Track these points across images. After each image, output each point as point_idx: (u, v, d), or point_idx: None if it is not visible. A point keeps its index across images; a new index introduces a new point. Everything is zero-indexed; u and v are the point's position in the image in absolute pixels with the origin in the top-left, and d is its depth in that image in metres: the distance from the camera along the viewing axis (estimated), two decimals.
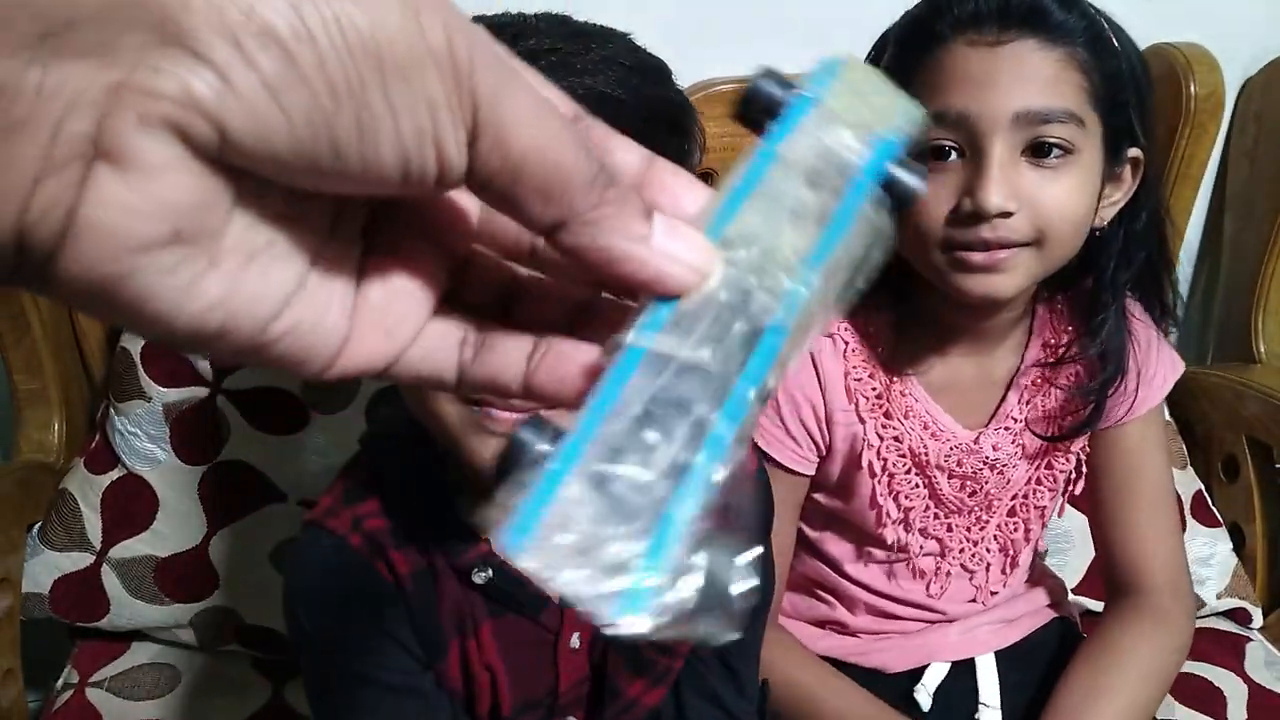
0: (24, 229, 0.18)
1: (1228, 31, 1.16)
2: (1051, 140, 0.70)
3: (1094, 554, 1.09)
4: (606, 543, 0.21)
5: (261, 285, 0.21)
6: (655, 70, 0.59)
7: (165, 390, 1.00)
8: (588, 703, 0.74)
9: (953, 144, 0.71)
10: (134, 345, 1.01)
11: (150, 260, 0.19)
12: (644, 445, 0.22)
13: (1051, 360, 0.85)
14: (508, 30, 0.56)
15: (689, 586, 0.22)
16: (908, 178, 0.26)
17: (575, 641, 0.70)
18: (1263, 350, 1.21)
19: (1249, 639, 1.09)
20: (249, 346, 0.21)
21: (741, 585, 0.23)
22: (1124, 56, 0.73)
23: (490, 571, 0.66)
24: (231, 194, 0.20)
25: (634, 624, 0.21)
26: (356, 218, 0.24)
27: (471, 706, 0.70)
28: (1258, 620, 1.12)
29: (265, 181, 0.20)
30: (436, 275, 0.25)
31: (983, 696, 0.89)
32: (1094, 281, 0.81)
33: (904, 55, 0.76)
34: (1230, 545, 1.13)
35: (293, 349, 0.22)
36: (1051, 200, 0.70)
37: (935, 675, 0.90)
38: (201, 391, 1.00)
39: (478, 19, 0.59)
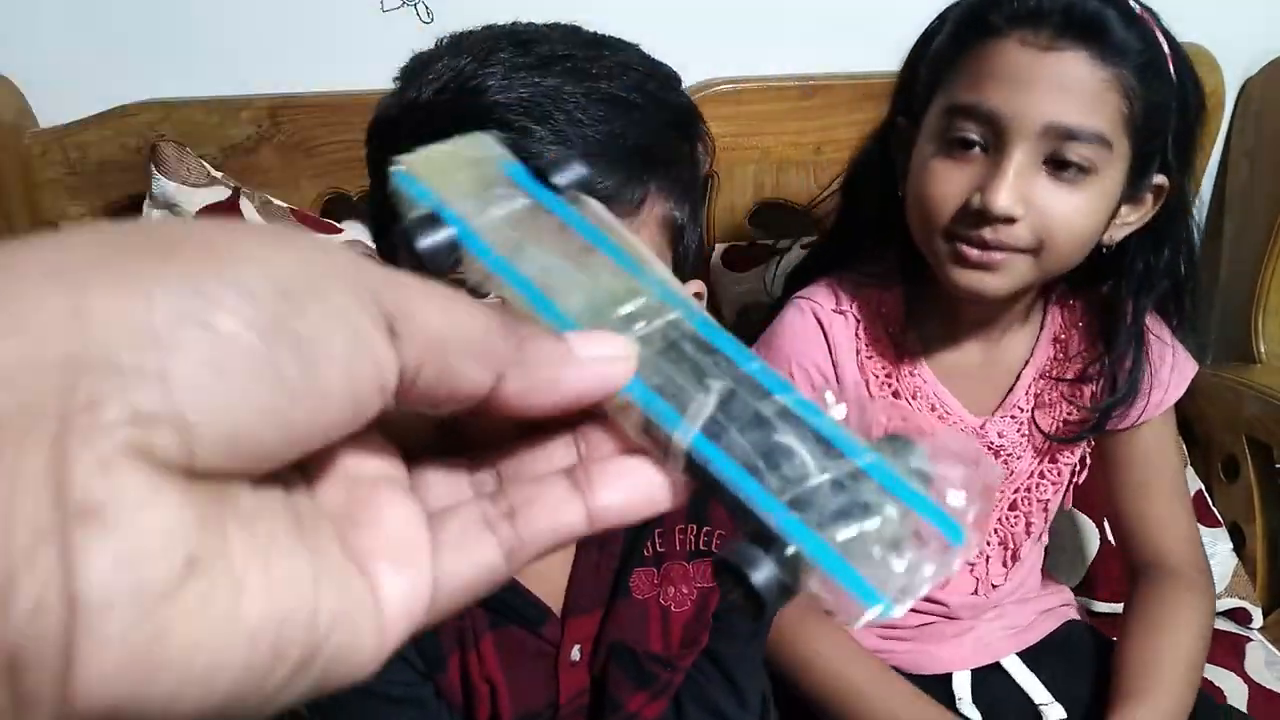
0: (14, 657, 0.15)
1: (1227, 32, 1.16)
2: (1074, 158, 0.69)
3: (1095, 554, 1.09)
4: (892, 534, 0.22)
5: (288, 583, 0.19)
6: (666, 76, 0.59)
7: None
8: (588, 715, 0.73)
9: (978, 138, 0.71)
10: None
11: (179, 605, 0.16)
12: (797, 466, 0.22)
13: (1069, 376, 0.85)
14: (521, 38, 0.55)
15: (950, 482, 0.23)
16: (564, 173, 0.27)
17: (576, 654, 0.70)
18: (1263, 350, 1.21)
19: (1249, 639, 1.09)
20: (306, 656, 0.19)
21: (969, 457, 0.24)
22: (1175, 86, 0.72)
23: None
24: (213, 502, 0.18)
25: (970, 546, 0.22)
26: (295, 475, 0.22)
27: (471, 717, 0.70)
28: (1258, 620, 1.12)
29: (229, 477, 0.18)
30: (391, 471, 0.23)
31: (1036, 698, 0.88)
32: (1112, 303, 0.82)
33: (957, 37, 0.75)
34: (1230, 545, 1.13)
35: (342, 641, 0.19)
36: (1059, 214, 0.70)
37: (963, 684, 0.90)
38: None
39: (488, 28, 0.58)
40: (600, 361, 0.23)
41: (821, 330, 0.85)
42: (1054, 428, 0.86)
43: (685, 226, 0.59)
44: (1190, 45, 1.10)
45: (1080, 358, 0.86)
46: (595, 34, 0.58)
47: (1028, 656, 0.92)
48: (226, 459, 0.18)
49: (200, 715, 0.17)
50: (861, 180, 0.88)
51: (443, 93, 0.54)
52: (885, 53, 1.18)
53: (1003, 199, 0.69)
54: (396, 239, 0.26)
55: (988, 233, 0.71)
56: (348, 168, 1.05)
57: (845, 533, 0.22)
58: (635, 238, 0.27)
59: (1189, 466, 1.16)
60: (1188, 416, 1.18)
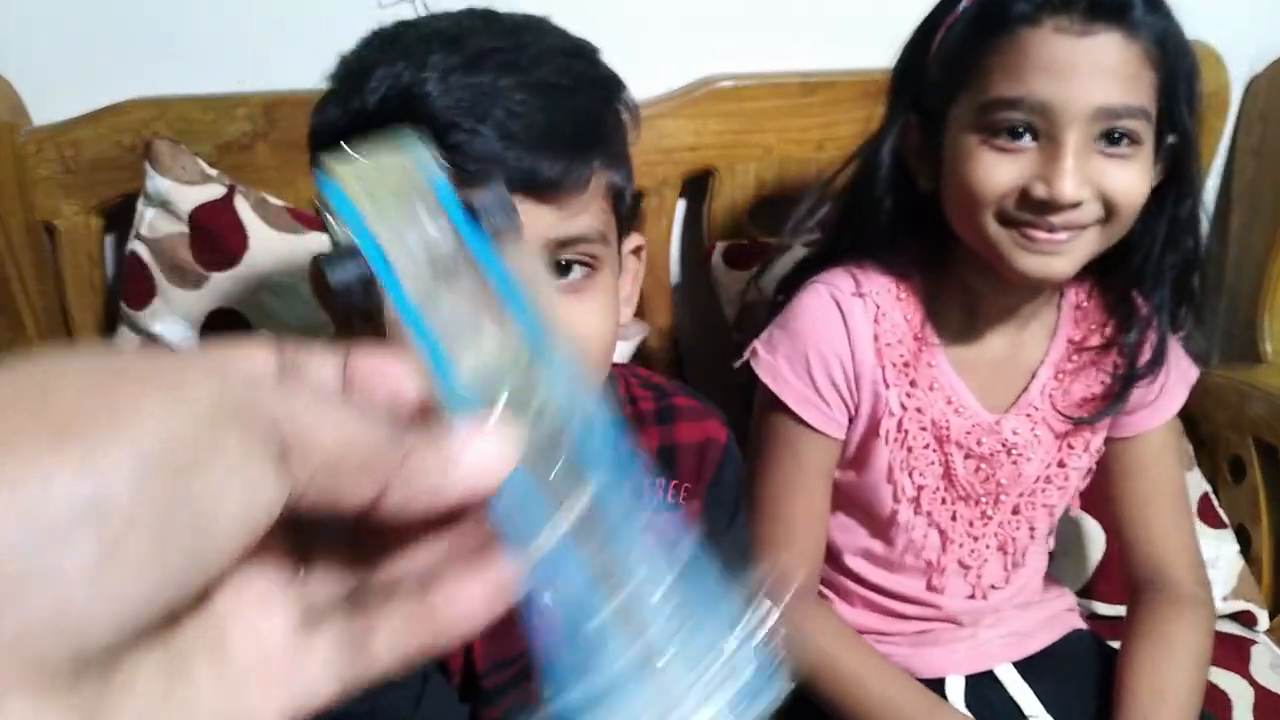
0: None
1: (1233, 30, 1.15)
2: (1123, 131, 0.72)
3: (1100, 557, 1.08)
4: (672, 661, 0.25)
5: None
6: (588, 51, 0.61)
7: None
8: None
9: (1027, 127, 0.73)
10: (130, 343, 1.01)
11: None
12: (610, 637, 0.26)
13: (1092, 344, 0.86)
14: (448, 35, 0.57)
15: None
16: (497, 215, 0.26)
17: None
18: (1268, 350, 1.20)
19: (1254, 642, 1.08)
20: None
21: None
22: (1187, 54, 0.76)
23: None
24: (96, 688, 0.18)
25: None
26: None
27: (444, 666, 0.71)
28: (1264, 623, 1.11)
29: (119, 646, 0.18)
30: (269, 571, 0.24)
31: (1026, 709, 0.88)
32: (1138, 266, 0.83)
33: (980, 28, 0.76)
34: (1236, 547, 1.13)
35: None
36: (1122, 186, 0.73)
37: (956, 689, 0.89)
38: None
39: (410, 26, 0.60)
40: (481, 468, 0.23)
41: (840, 315, 0.84)
42: (1073, 410, 0.87)
43: (624, 188, 0.62)
44: (1196, 44, 1.09)
45: (1111, 339, 0.87)
46: (512, 18, 0.60)
47: (1026, 666, 0.91)
48: (117, 636, 0.18)
49: None
50: (869, 184, 0.86)
51: (387, 101, 0.56)
52: (887, 49, 1.18)
53: (1069, 187, 0.71)
54: (314, 265, 0.26)
55: (1055, 219, 0.73)
56: None
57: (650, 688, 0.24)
58: (551, 293, 0.26)
59: (1195, 468, 1.15)
60: (1193, 417, 1.17)
